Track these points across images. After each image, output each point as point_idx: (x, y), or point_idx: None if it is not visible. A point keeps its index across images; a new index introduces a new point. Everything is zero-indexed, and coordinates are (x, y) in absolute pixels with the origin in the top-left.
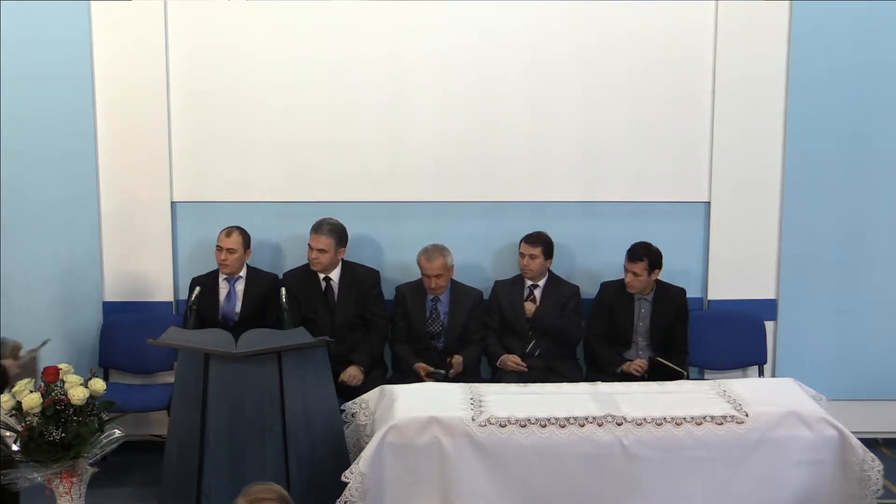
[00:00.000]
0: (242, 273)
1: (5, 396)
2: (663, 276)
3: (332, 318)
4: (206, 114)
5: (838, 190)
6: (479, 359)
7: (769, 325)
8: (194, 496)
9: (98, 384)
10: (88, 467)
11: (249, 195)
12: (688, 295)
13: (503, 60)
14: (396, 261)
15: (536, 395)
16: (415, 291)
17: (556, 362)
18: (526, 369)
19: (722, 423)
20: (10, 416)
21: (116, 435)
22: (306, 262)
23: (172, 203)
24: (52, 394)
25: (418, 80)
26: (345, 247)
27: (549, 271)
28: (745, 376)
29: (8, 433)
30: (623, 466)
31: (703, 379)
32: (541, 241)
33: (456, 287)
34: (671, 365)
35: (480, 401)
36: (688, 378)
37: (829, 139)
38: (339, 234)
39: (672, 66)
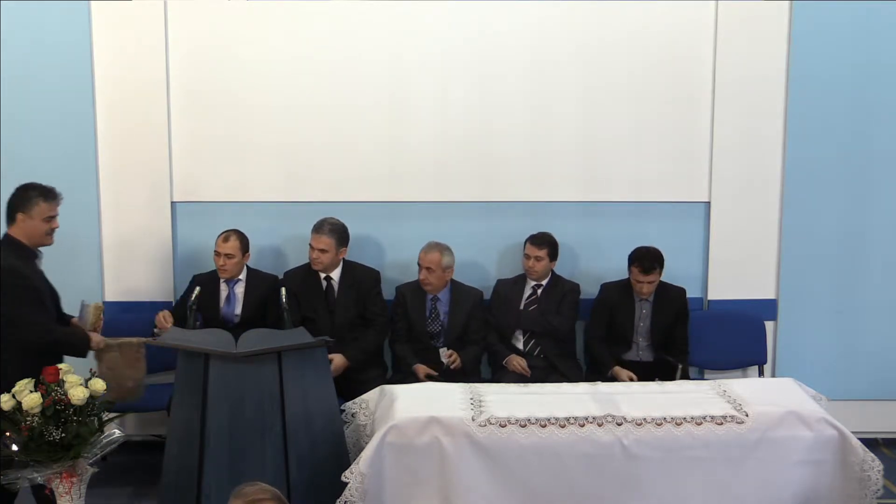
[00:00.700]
0: (242, 276)
1: (5, 396)
2: (663, 276)
3: (332, 318)
4: (206, 114)
5: (838, 190)
6: (479, 359)
7: (769, 325)
8: (194, 496)
9: (98, 384)
10: (88, 467)
11: (249, 195)
12: (688, 295)
13: (503, 60)
14: (396, 261)
15: (536, 395)
16: (415, 291)
17: (557, 361)
18: (529, 373)
19: (722, 423)
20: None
21: (116, 435)
22: (306, 261)
23: (172, 203)
24: (52, 394)
25: (418, 80)
26: (346, 246)
27: (552, 271)
28: (745, 376)
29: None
30: (623, 466)
31: (703, 379)
32: (547, 243)
33: (456, 287)
34: (668, 358)
35: (480, 401)
36: (682, 368)
37: (829, 139)
38: (340, 233)
39: (672, 66)
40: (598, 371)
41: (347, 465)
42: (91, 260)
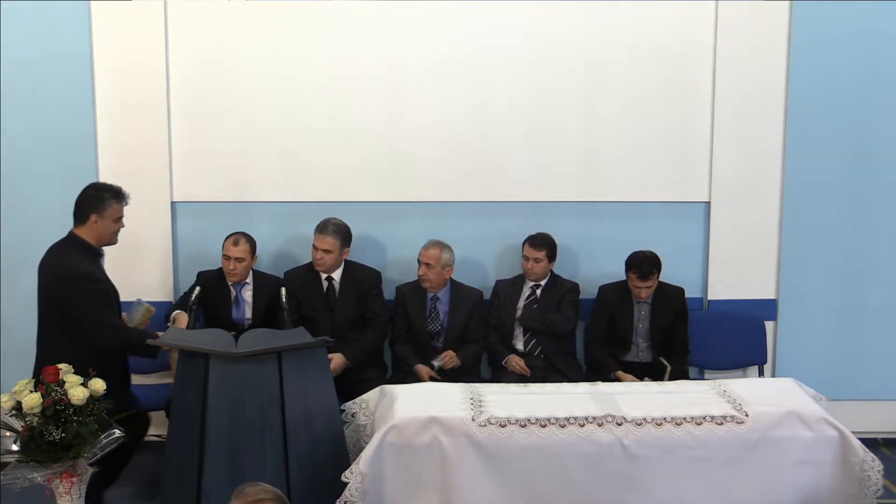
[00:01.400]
0: (249, 279)
1: (5, 396)
2: (663, 276)
3: (332, 318)
4: (207, 114)
5: (838, 190)
6: (479, 358)
7: (769, 325)
8: (194, 496)
9: (98, 384)
10: (88, 467)
11: (249, 195)
12: (688, 295)
13: (503, 61)
14: (396, 261)
15: (536, 395)
16: (415, 291)
17: (557, 361)
18: (528, 373)
19: (722, 423)
20: (10, 416)
21: (116, 435)
22: (306, 261)
23: (172, 203)
24: (52, 394)
25: (418, 80)
26: (349, 247)
27: (551, 271)
28: (745, 376)
29: (8, 433)
30: (623, 466)
31: (703, 379)
32: (545, 244)
33: (456, 287)
34: (660, 359)
35: (480, 401)
36: (670, 370)
37: (828, 139)
38: (343, 234)
39: (672, 66)
40: (598, 374)
41: (347, 465)
42: None
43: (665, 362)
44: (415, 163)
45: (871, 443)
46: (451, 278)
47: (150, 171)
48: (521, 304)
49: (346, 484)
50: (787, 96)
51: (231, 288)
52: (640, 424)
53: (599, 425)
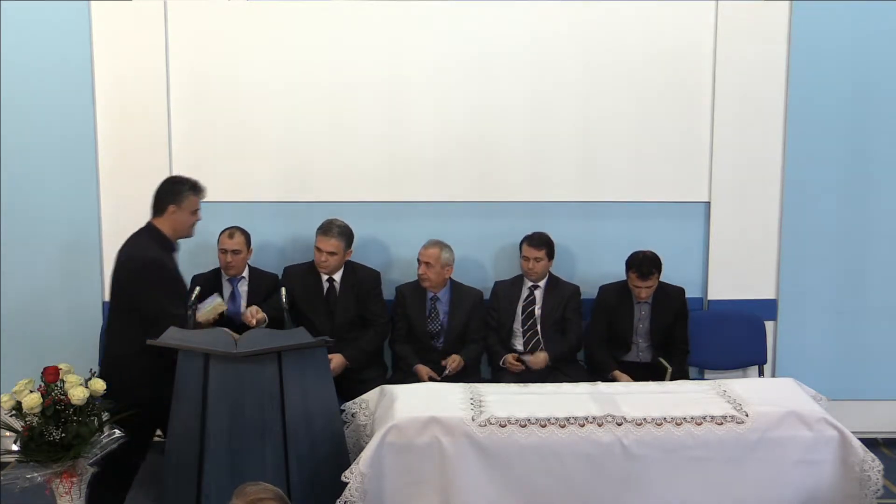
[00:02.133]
0: (245, 273)
1: (5, 396)
2: (663, 276)
3: (331, 318)
4: (206, 114)
5: (838, 190)
6: (479, 358)
7: (769, 325)
8: (194, 496)
9: (98, 384)
10: (88, 467)
11: (250, 195)
12: (688, 295)
13: (503, 61)
14: (396, 261)
15: (536, 395)
16: (414, 291)
17: (560, 363)
18: (523, 368)
19: (722, 423)
20: (10, 415)
21: (116, 435)
22: (306, 261)
23: None
24: (52, 394)
25: (418, 79)
26: (351, 248)
27: (549, 272)
28: (745, 376)
29: (8, 433)
30: (623, 466)
31: (703, 379)
32: (544, 244)
33: (455, 287)
34: (660, 360)
35: (480, 401)
36: (670, 372)
37: (828, 139)
38: (347, 235)
39: (672, 66)
40: (599, 374)
41: (347, 465)
42: (91, 259)
43: (665, 364)
44: (415, 163)
45: (871, 443)
46: (450, 278)
47: (150, 171)
48: (520, 305)
49: (346, 484)
50: (787, 96)
51: (228, 283)
52: (640, 424)
53: (599, 425)
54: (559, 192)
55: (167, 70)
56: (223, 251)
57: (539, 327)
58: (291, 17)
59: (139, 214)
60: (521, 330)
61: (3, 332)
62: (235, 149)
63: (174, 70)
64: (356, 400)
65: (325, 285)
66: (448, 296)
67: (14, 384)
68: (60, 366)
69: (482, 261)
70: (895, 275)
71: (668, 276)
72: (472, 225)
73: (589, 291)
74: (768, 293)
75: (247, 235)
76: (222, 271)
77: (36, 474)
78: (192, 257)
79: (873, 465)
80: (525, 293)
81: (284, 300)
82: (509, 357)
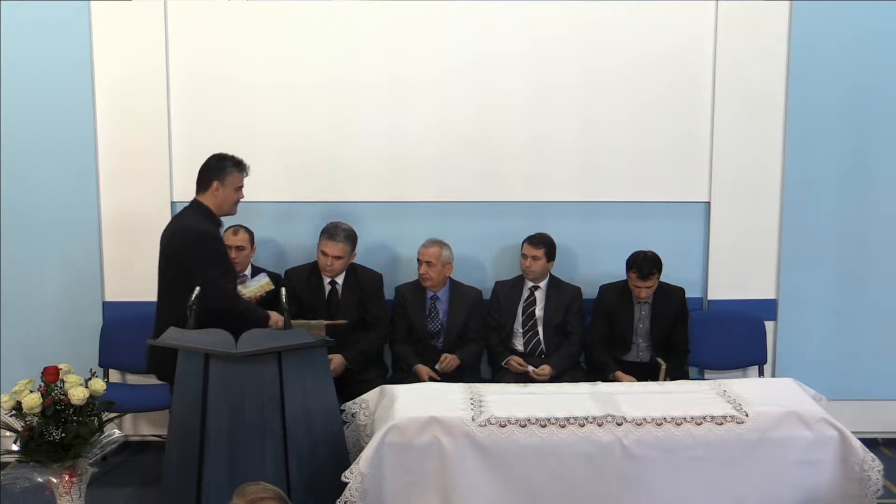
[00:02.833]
0: (248, 271)
1: (5, 396)
2: (663, 276)
3: (332, 319)
4: (206, 114)
5: (838, 190)
6: (479, 357)
7: (769, 325)
8: (194, 496)
9: (98, 384)
10: (88, 467)
11: (250, 195)
12: (688, 295)
13: (503, 61)
14: (396, 261)
15: (536, 395)
16: (414, 291)
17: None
18: (528, 368)
19: (722, 423)
20: (10, 415)
21: (116, 435)
22: (306, 261)
23: (172, 203)
24: (52, 394)
25: (419, 80)
26: (355, 251)
27: (550, 273)
28: (745, 376)
29: (8, 433)
30: (623, 466)
31: (703, 379)
32: (544, 243)
33: (455, 286)
34: (657, 359)
35: (480, 401)
36: (664, 368)
37: (828, 139)
38: (353, 239)
39: (672, 66)
40: (599, 374)
41: (347, 465)
42: (91, 259)
43: (660, 361)
44: (415, 163)
45: (871, 443)
46: (450, 277)
47: (150, 171)
48: (521, 305)
49: (346, 484)
50: (787, 96)
51: None
52: (640, 424)
53: (599, 425)
54: (559, 192)
55: (167, 70)
56: (227, 247)
57: (540, 328)
58: (291, 18)
59: (139, 214)
60: (521, 331)
61: (3, 332)
62: (235, 149)
63: (174, 70)
64: (356, 400)
65: (328, 287)
66: (447, 295)
67: (14, 384)
68: (60, 366)
69: (482, 261)
70: (895, 275)
71: (668, 276)
72: (472, 225)
73: (589, 291)
74: (768, 293)
75: (250, 233)
76: None
77: (36, 474)
78: None
79: (873, 465)
80: (526, 294)
81: (285, 300)
82: (512, 359)
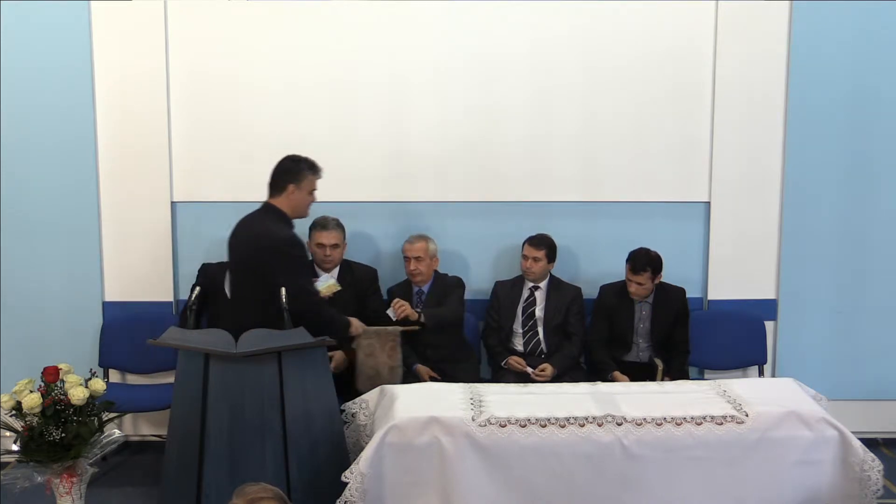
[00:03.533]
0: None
1: (5, 396)
2: (663, 276)
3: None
4: (206, 114)
5: (838, 190)
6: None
7: (769, 325)
8: (194, 496)
9: (98, 384)
10: (88, 467)
11: (250, 195)
12: (688, 295)
13: (503, 61)
14: (396, 261)
15: (536, 395)
16: (405, 288)
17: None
18: (529, 368)
19: (722, 423)
20: (10, 415)
21: (116, 435)
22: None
23: (172, 203)
24: (52, 394)
25: (419, 79)
26: (345, 240)
27: (550, 273)
28: (745, 376)
29: (8, 433)
30: (623, 466)
31: (703, 379)
32: (545, 244)
33: (438, 278)
34: (655, 359)
35: (480, 401)
36: (661, 369)
37: (829, 139)
38: (343, 228)
39: (672, 66)
40: (599, 374)
41: (347, 465)
42: (91, 260)
43: (657, 361)
44: (415, 163)
45: (871, 443)
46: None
47: (150, 171)
48: (521, 305)
49: (346, 484)
50: (787, 96)
51: None
52: (640, 424)
53: (599, 425)
54: (560, 192)
55: (167, 70)
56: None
57: (540, 328)
58: (291, 18)
59: (139, 215)
60: (521, 331)
61: (3, 332)
62: (235, 149)
63: (174, 70)
64: (356, 400)
65: None
66: (430, 286)
67: (14, 384)
68: (60, 366)
69: (482, 261)
70: (895, 275)
71: (669, 276)
72: (472, 225)
73: (589, 291)
74: (768, 293)
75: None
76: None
77: (36, 474)
78: (193, 257)
79: (873, 465)
80: (525, 294)
81: (284, 300)
82: (512, 360)
